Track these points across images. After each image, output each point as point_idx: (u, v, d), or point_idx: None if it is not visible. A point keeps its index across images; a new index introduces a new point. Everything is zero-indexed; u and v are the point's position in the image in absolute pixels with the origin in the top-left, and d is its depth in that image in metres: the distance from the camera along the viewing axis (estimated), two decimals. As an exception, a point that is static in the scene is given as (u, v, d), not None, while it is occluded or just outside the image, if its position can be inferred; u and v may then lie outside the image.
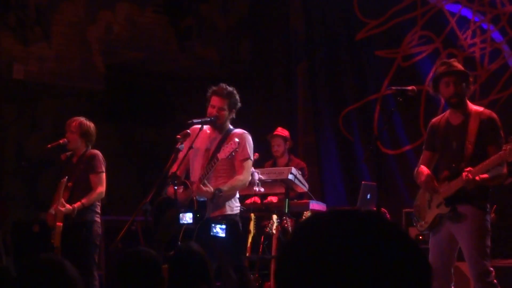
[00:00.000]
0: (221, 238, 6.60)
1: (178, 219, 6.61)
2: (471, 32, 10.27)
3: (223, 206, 6.74)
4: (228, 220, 6.73)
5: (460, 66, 6.23)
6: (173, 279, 4.68)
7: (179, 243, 6.45)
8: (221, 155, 6.55)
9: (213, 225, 6.60)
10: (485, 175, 5.84)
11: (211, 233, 6.58)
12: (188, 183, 6.81)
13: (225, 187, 6.65)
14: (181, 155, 6.84)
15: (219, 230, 6.60)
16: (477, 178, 5.79)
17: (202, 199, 6.63)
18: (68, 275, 3.09)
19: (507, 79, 9.90)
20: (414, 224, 6.43)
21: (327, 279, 1.48)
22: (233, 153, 6.54)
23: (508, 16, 9.98)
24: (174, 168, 6.82)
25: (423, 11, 10.73)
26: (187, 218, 6.53)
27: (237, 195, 6.97)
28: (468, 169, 5.82)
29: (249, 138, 6.90)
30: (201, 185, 6.54)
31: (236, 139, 6.58)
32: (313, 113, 11.91)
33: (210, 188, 6.55)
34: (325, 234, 1.54)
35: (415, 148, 10.47)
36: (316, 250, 1.51)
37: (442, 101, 9.98)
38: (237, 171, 6.79)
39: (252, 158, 6.90)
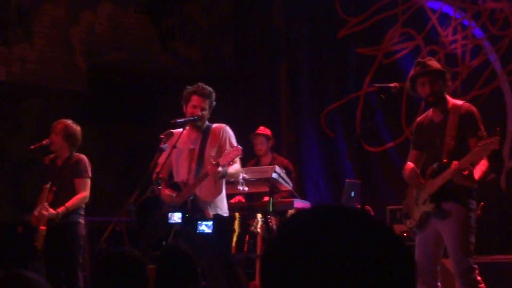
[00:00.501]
0: (208, 235, 6.61)
1: (166, 218, 6.61)
2: (452, 28, 10.32)
3: (215, 206, 6.77)
4: (217, 217, 6.75)
5: (435, 65, 6.24)
6: (160, 279, 4.68)
7: (165, 242, 6.45)
8: (223, 161, 6.60)
9: (199, 222, 6.61)
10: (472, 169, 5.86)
11: (197, 231, 6.59)
12: (181, 185, 6.82)
13: (230, 170, 6.78)
14: (163, 157, 6.85)
15: (205, 228, 6.61)
16: (465, 172, 5.81)
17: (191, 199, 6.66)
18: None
19: (488, 75, 9.95)
20: (403, 222, 6.46)
21: (312, 276, 1.49)
22: (236, 160, 6.64)
23: (489, 13, 10.03)
24: (157, 169, 6.84)
25: (403, 8, 10.77)
26: (176, 217, 6.53)
27: (225, 200, 7.00)
28: (454, 162, 5.84)
29: (228, 129, 6.99)
30: (217, 168, 6.60)
31: (239, 146, 6.66)
32: (294, 111, 11.93)
33: (221, 169, 6.63)
34: (310, 231, 1.54)
35: (397, 145, 10.52)
36: (301, 247, 1.51)
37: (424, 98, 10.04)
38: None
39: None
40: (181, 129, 6.91)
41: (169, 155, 6.85)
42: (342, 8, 11.28)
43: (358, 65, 11.20)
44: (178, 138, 6.81)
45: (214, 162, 6.60)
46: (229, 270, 6.86)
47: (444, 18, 10.40)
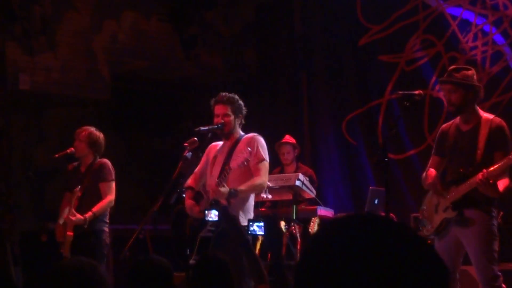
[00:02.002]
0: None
1: (203, 220, 6.58)
2: (472, 35, 10.29)
3: (237, 215, 6.74)
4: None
5: (462, 75, 6.18)
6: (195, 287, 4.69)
7: (191, 253, 6.45)
8: (233, 164, 6.55)
9: (250, 223, 6.56)
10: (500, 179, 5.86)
11: (249, 232, 6.54)
12: (203, 193, 6.82)
13: (242, 187, 6.61)
14: (197, 169, 6.92)
15: (256, 228, 6.57)
16: (491, 181, 5.80)
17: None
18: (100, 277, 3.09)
19: (508, 81, 9.91)
20: (420, 229, 6.43)
21: (347, 284, 1.50)
22: (245, 163, 6.53)
23: (511, 18, 10.00)
24: (190, 182, 6.89)
25: (424, 15, 10.75)
26: (212, 215, 6.46)
27: (252, 209, 6.95)
28: (483, 171, 5.83)
29: (261, 140, 6.88)
30: (218, 188, 6.53)
31: (249, 148, 6.58)
32: (313, 118, 11.91)
33: (226, 188, 6.52)
34: (344, 240, 1.55)
35: (419, 152, 10.49)
36: (336, 256, 1.53)
37: (446, 105, 10.00)
38: (254, 174, 6.76)
39: (267, 159, 6.85)
40: (218, 143, 6.98)
41: (203, 166, 6.92)
42: (364, 15, 11.27)
43: (379, 73, 11.18)
44: (215, 153, 6.89)
45: (216, 182, 6.58)
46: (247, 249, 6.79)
47: (465, 25, 10.38)
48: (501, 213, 7.48)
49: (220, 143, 7.04)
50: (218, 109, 6.88)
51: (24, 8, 10.57)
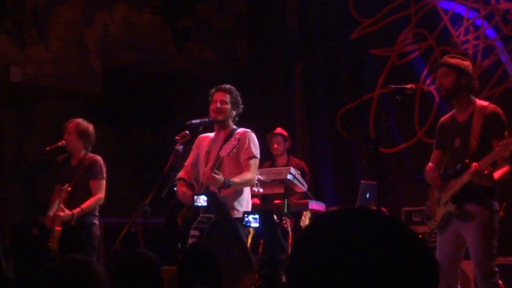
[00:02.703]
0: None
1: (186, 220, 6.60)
2: (464, 29, 10.30)
3: (231, 208, 6.74)
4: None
5: (455, 61, 6.19)
6: (183, 277, 4.70)
7: (183, 245, 6.45)
8: (223, 152, 6.57)
9: (245, 215, 6.58)
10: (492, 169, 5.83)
11: (244, 224, 6.56)
12: (195, 184, 6.82)
13: (235, 179, 6.64)
14: (187, 162, 6.90)
15: (252, 220, 6.58)
16: (485, 172, 5.79)
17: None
18: (96, 274, 3.09)
19: (499, 75, 9.92)
20: (425, 223, 6.43)
21: (337, 277, 1.51)
22: (234, 150, 6.55)
23: (502, 12, 10.01)
24: (181, 174, 6.89)
25: (416, 9, 10.75)
26: (201, 200, 6.45)
27: (247, 202, 6.95)
28: (474, 163, 5.82)
29: (253, 136, 6.90)
30: (212, 173, 6.54)
31: (237, 136, 6.63)
32: (308, 112, 11.92)
33: (221, 177, 6.53)
34: (336, 233, 1.56)
35: (410, 146, 10.50)
36: (327, 249, 1.54)
37: (437, 99, 10.02)
38: (244, 169, 6.79)
39: (258, 156, 6.88)
40: (211, 134, 6.96)
41: (194, 158, 6.91)
42: (356, 8, 11.27)
43: (371, 66, 11.19)
44: (207, 145, 6.88)
45: (208, 169, 6.60)
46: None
47: (456, 19, 10.38)
48: (504, 203, 7.47)
49: (211, 134, 7.02)
50: (218, 96, 6.89)
51: (15, 1, 10.53)
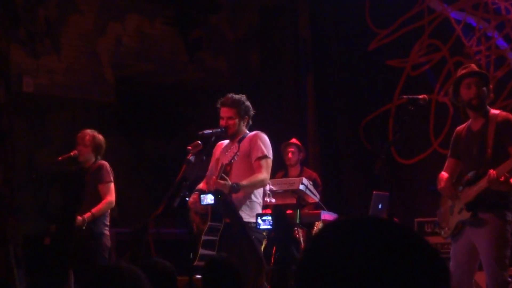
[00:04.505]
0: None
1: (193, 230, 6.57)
2: (476, 39, 10.27)
3: (240, 210, 6.68)
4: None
5: (481, 70, 6.24)
6: None
7: (195, 254, 6.41)
8: (224, 160, 6.58)
9: (258, 217, 6.51)
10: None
11: (257, 227, 6.49)
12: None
13: (244, 182, 6.57)
14: (208, 173, 6.91)
15: (261, 222, 6.50)
16: (501, 178, 5.76)
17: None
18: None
19: (512, 86, 9.89)
20: (438, 232, 6.40)
21: (347, 286, 1.48)
22: (235, 157, 6.54)
23: (513, 23, 9.99)
24: (201, 186, 6.88)
25: (429, 20, 10.72)
26: (208, 199, 6.41)
27: (258, 207, 6.90)
28: (491, 170, 5.79)
29: (263, 136, 6.84)
30: (218, 180, 6.52)
31: (237, 144, 6.65)
32: (320, 123, 11.88)
33: (228, 182, 6.49)
34: (345, 241, 1.55)
35: (426, 157, 10.46)
36: (336, 257, 1.52)
37: (451, 110, 9.98)
38: (255, 171, 6.73)
39: (270, 155, 6.79)
40: (225, 142, 6.96)
41: (211, 168, 6.91)
42: (372, 20, 11.24)
43: (387, 77, 11.16)
44: (219, 154, 6.87)
45: (215, 176, 6.59)
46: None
47: (468, 29, 10.36)
48: None
49: (225, 142, 7.04)
50: (223, 112, 6.88)
51: (28, 11, 10.57)
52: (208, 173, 7.03)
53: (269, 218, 6.50)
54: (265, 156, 6.74)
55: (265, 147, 6.75)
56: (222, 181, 6.49)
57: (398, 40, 11.02)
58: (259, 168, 6.71)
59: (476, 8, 10.29)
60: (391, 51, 11.09)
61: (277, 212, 6.80)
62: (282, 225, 6.59)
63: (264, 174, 6.74)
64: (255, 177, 6.68)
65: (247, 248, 6.24)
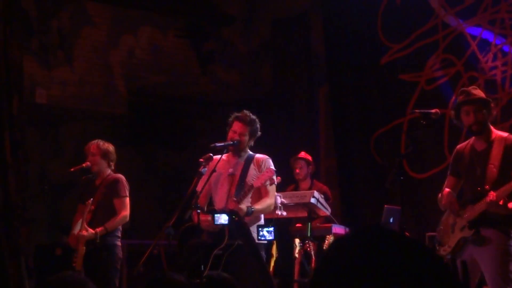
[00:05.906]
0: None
1: (204, 246, 6.56)
2: (492, 55, 10.24)
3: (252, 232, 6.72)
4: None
5: (479, 93, 6.21)
6: None
7: (204, 269, 6.40)
8: (257, 183, 6.61)
9: (259, 228, 6.58)
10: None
11: (259, 237, 6.56)
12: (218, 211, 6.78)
13: (257, 206, 6.66)
14: (200, 184, 6.80)
15: (266, 234, 6.58)
16: (500, 202, 5.78)
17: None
18: None
19: (528, 102, 9.86)
20: (437, 249, 6.40)
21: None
22: (269, 181, 6.58)
23: (530, 39, 9.96)
24: (198, 188, 6.82)
25: (444, 34, 10.70)
26: (222, 219, 6.43)
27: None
28: (492, 192, 5.82)
29: (271, 162, 6.92)
30: (238, 205, 6.56)
31: (272, 167, 6.67)
32: (334, 136, 11.88)
33: (244, 207, 6.57)
34: (356, 253, 1.55)
35: (440, 171, 10.42)
36: (349, 270, 1.52)
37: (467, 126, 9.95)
38: (263, 195, 6.79)
39: (275, 181, 6.89)
40: (219, 155, 6.88)
41: (207, 181, 6.81)
42: (385, 34, 11.24)
43: (400, 91, 11.14)
44: (217, 163, 6.79)
45: (234, 199, 6.60)
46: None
47: (484, 44, 10.32)
48: None
49: (217, 156, 6.93)
50: (237, 126, 6.86)
51: (42, 23, 10.62)
52: (207, 187, 6.94)
53: (271, 229, 6.55)
54: (274, 182, 6.80)
55: (274, 174, 6.80)
56: (243, 207, 6.56)
57: (412, 54, 11.01)
58: (267, 193, 6.80)
59: (492, 24, 10.26)
60: (405, 65, 11.07)
61: (278, 223, 6.82)
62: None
63: (272, 199, 6.87)
64: (265, 202, 6.78)
65: (258, 269, 6.25)
